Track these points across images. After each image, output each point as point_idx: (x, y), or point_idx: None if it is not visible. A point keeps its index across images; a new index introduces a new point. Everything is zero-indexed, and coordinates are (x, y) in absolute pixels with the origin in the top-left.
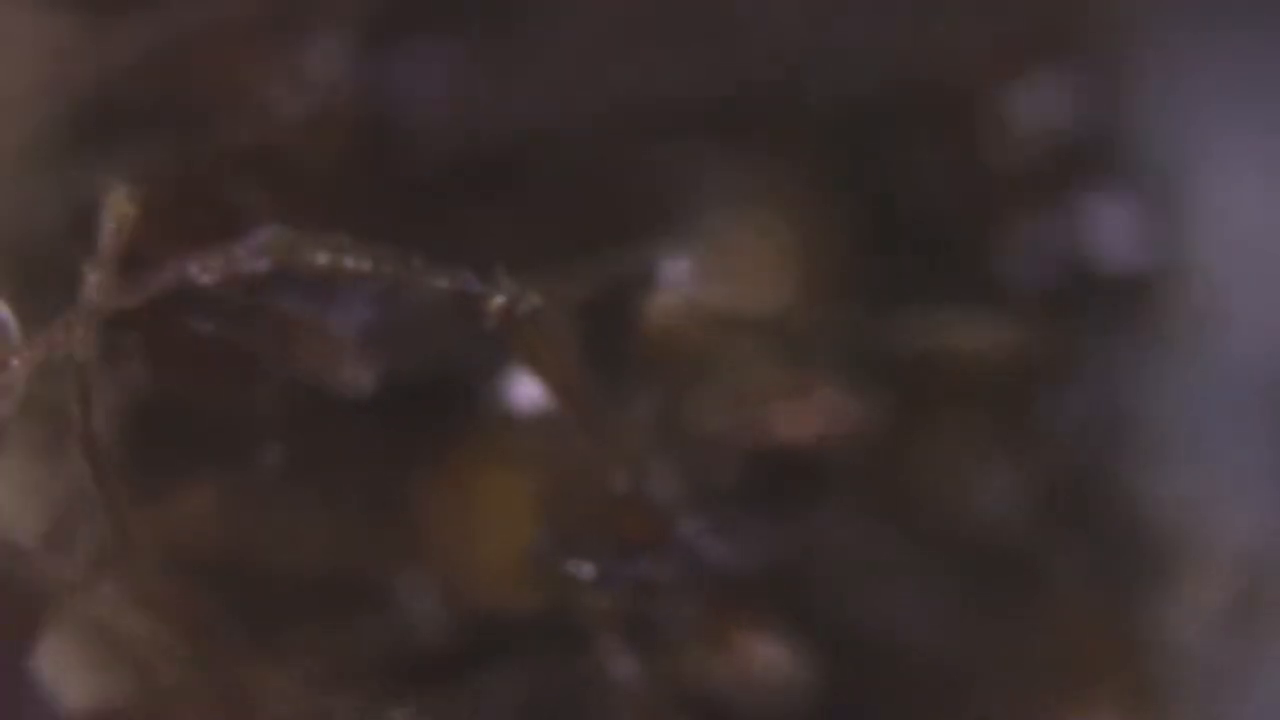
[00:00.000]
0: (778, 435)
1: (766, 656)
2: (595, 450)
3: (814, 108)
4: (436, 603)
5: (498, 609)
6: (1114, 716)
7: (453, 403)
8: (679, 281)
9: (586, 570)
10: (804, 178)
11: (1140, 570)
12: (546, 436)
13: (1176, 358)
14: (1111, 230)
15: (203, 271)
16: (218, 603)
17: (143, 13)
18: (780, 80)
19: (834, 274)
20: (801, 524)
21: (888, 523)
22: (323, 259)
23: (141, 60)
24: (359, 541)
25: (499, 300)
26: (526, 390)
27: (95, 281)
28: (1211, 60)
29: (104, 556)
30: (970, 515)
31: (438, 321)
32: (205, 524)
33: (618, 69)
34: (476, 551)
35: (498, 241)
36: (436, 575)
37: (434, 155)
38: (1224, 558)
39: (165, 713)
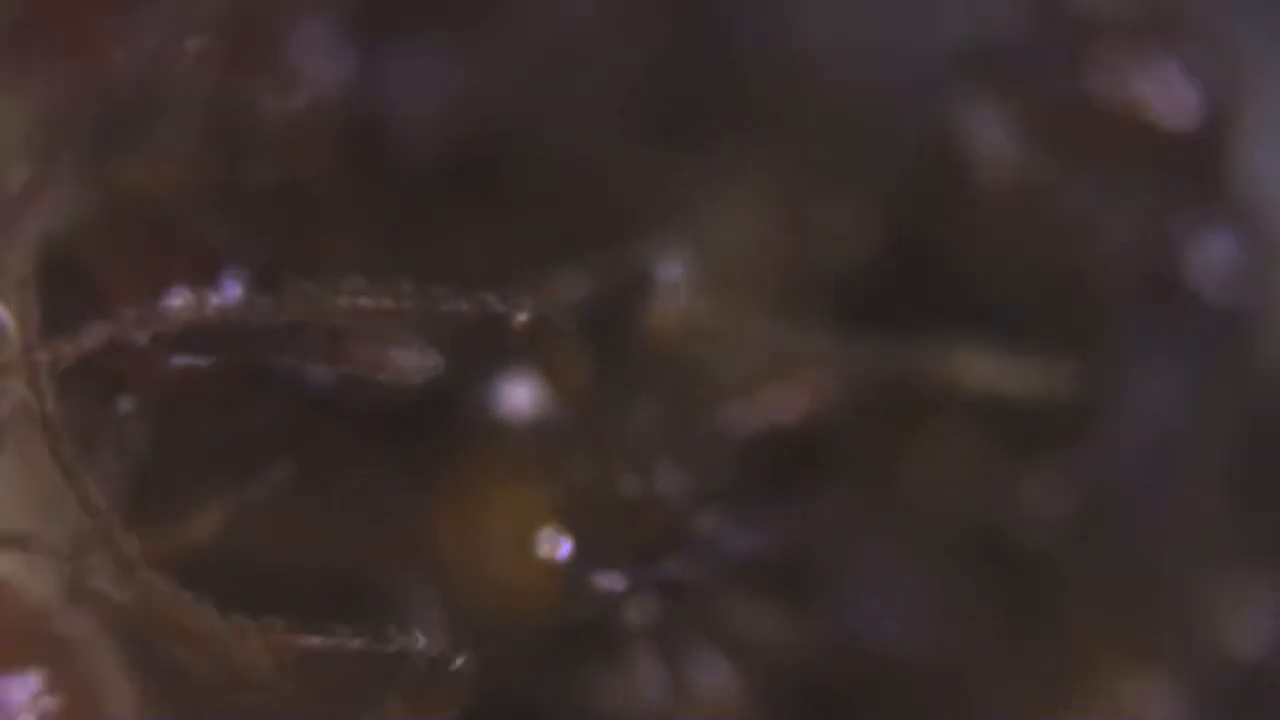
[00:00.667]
0: (772, 421)
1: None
2: (607, 455)
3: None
4: (447, 611)
5: (512, 618)
6: None
7: (455, 411)
8: (675, 284)
9: (615, 580)
10: (805, 181)
11: (1159, 595)
12: (554, 444)
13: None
14: (1204, 254)
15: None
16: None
17: (132, 12)
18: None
19: (830, 277)
20: (808, 514)
21: (892, 520)
22: (343, 304)
23: (132, 59)
24: (369, 551)
25: (521, 318)
26: (526, 397)
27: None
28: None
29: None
30: (987, 521)
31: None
32: (217, 538)
33: (612, 71)
34: (487, 560)
35: (492, 242)
36: (447, 584)
37: (427, 154)
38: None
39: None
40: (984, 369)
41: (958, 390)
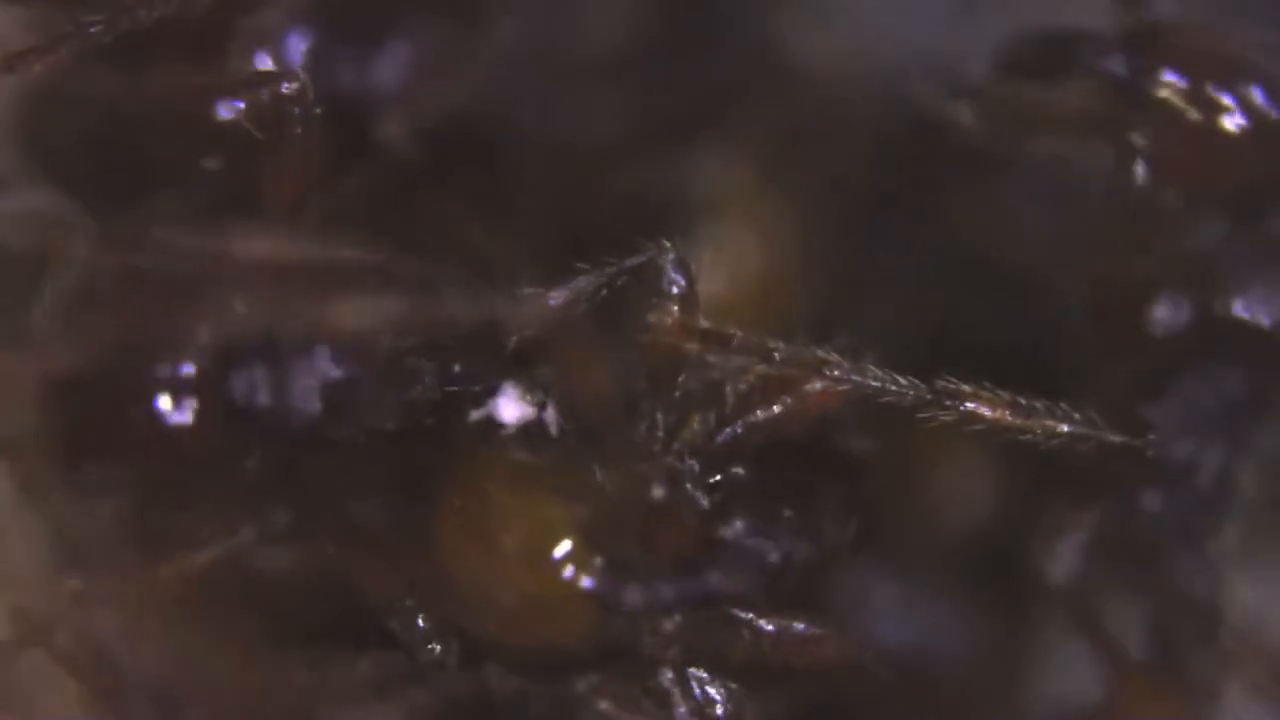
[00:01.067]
0: (782, 424)
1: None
2: (631, 462)
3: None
4: (464, 634)
5: (535, 640)
6: None
7: (458, 423)
8: (679, 287)
9: (646, 597)
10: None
11: (1191, 639)
12: (569, 453)
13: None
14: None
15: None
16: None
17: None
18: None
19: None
20: (823, 523)
21: (907, 535)
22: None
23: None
24: (374, 576)
25: (528, 315)
26: (534, 405)
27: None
28: None
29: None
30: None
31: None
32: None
33: (610, 62)
34: (505, 580)
35: (491, 242)
36: (463, 607)
37: (417, 150)
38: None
39: None
40: (996, 407)
41: (974, 423)
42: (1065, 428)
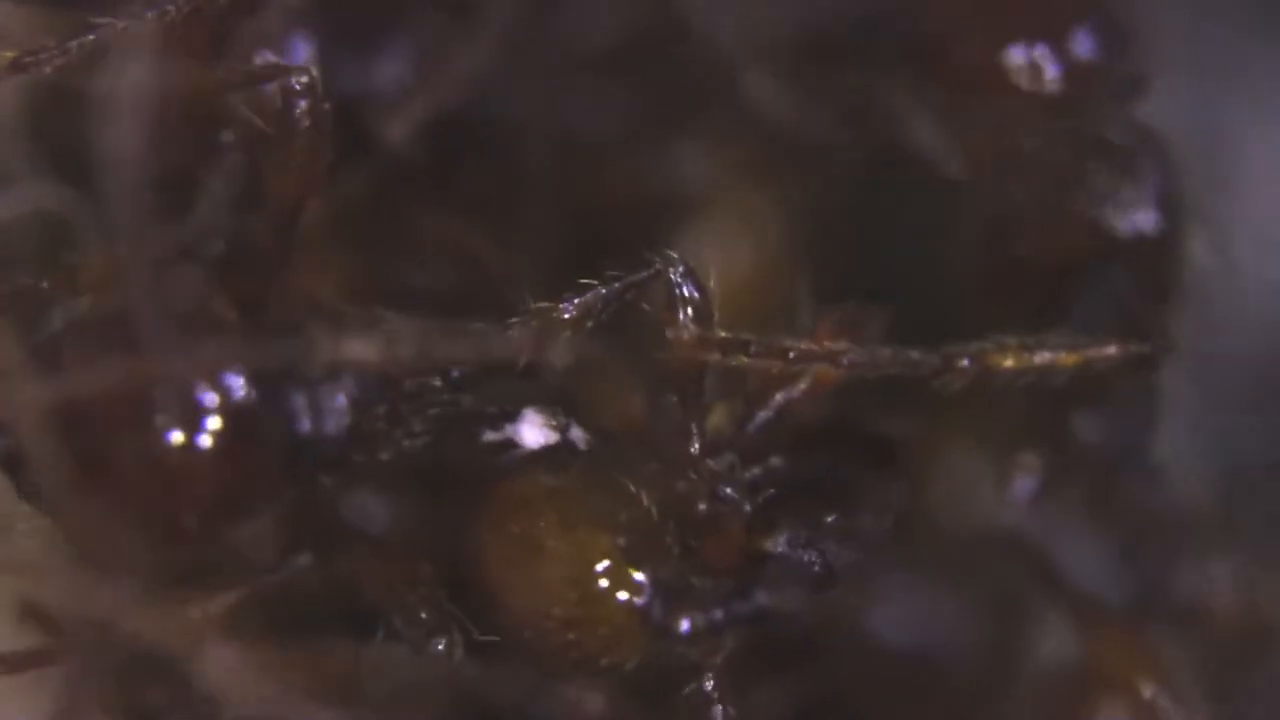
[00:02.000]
0: (805, 403)
1: None
2: (667, 480)
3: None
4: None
5: (590, 661)
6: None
7: (484, 451)
8: (691, 300)
9: (700, 623)
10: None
11: (1154, 581)
12: (604, 476)
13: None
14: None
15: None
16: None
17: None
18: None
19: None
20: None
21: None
22: (384, 353)
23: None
24: (380, 577)
25: (537, 337)
26: (559, 432)
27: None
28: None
29: None
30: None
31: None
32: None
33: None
34: (554, 604)
35: (483, 254)
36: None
37: (417, 158)
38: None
39: None
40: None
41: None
42: (1077, 351)
